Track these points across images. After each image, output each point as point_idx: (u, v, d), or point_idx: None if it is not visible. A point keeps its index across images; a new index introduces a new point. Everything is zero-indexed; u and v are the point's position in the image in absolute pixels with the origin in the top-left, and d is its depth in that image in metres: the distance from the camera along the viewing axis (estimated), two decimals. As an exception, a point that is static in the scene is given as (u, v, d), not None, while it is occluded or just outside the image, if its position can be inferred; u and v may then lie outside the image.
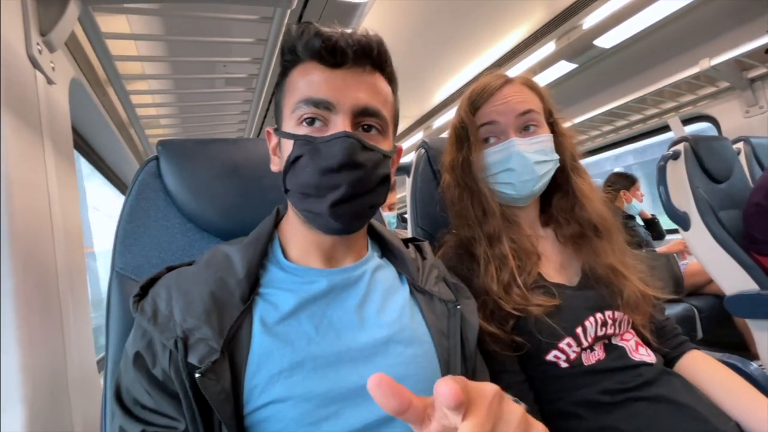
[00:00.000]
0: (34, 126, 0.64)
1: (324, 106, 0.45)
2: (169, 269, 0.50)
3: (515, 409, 0.27)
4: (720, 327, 1.78)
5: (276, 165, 0.52)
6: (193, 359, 0.40)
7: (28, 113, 0.62)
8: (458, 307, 0.54)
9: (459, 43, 2.22)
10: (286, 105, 0.48)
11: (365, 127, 0.47)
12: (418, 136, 3.41)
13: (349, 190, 0.44)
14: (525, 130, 0.68)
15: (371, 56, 0.47)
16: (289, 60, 0.49)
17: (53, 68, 0.72)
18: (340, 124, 0.45)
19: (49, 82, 0.70)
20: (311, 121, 0.46)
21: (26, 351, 0.53)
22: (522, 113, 0.67)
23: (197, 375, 0.39)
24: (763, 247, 1.27)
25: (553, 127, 0.72)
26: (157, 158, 0.63)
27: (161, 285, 0.46)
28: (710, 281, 1.89)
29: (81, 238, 0.78)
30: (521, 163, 0.66)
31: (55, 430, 0.56)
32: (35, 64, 0.65)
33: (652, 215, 2.32)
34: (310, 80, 0.46)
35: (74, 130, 1.08)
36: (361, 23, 1.58)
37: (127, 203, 0.60)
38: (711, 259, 1.36)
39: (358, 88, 0.46)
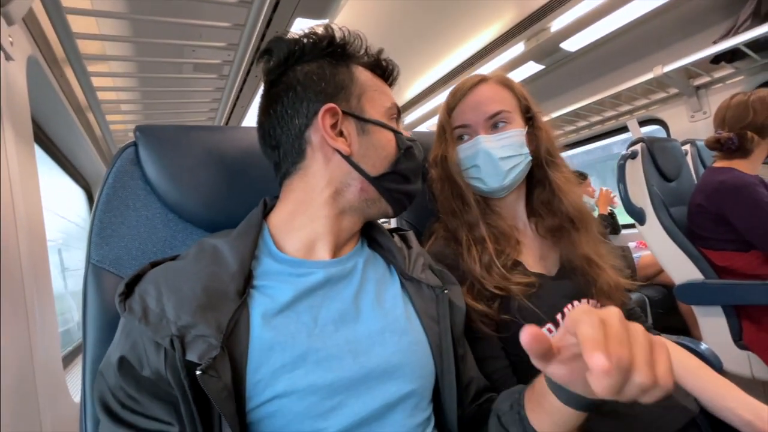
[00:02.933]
0: (-7, 105, 0.58)
1: (399, 113, 0.57)
2: (153, 264, 0.47)
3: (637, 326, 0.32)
4: (667, 314, 1.94)
5: (343, 145, 0.51)
6: (192, 357, 0.38)
7: (-14, 91, 0.56)
8: (445, 291, 0.56)
9: (430, 42, 2.24)
10: (374, 99, 0.54)
11: None
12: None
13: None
14: (494, 127, 0.71)
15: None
16: (349, 55, 0.54)
17: (11, 43, 0.65)
18: (404, 130, 0.57)
19: (7, 58, 0.64)
20: (396, 121, 0.56)
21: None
22: (491, 115, 0.71)
23: (198, 372, 0.37)
24: (705, 242, 1.40)
25: (532, 121, 0.75)
26: (135, 144, 0.60)
27: (148, 281, 0.44)
28: (659, 273, 2.05)
29: (43, 230, 0.72)
30: (486, 160, 0.70)
31: (24, 425, 0.52)
32: (-7, 38, 0.59)
33: (611, 210, 2.47)
34: (388, 90, 0.57)
35: (27, 113, 0.99)
36: (336, 16, 1.55)
37: (104, 191, 0.57)
38: (662, 251, 1.47)
39: None
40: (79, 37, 0.94)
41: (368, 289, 0.52)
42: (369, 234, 0.60)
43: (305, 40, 0.53)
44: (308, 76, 0.52)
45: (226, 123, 1.90)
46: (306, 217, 0.52)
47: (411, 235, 0.65)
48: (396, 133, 0.54)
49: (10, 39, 0.65)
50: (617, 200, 2.14)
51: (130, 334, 0.41)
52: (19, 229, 0.61)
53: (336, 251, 0.53)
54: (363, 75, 0.54)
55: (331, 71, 0.52)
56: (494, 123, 0.71)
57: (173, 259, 0.49)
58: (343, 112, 0.51)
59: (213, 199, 0.61)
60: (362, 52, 0.55)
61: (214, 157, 0.61)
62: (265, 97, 0.55)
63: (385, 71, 0.58)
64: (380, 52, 0.57)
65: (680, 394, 0.63)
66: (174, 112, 1.61)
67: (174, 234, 0.60)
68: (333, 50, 0.53)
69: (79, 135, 1.38)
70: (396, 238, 0.62)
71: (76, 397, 0.79)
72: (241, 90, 1.57)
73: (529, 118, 0.75)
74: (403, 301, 0.54)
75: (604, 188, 2.45)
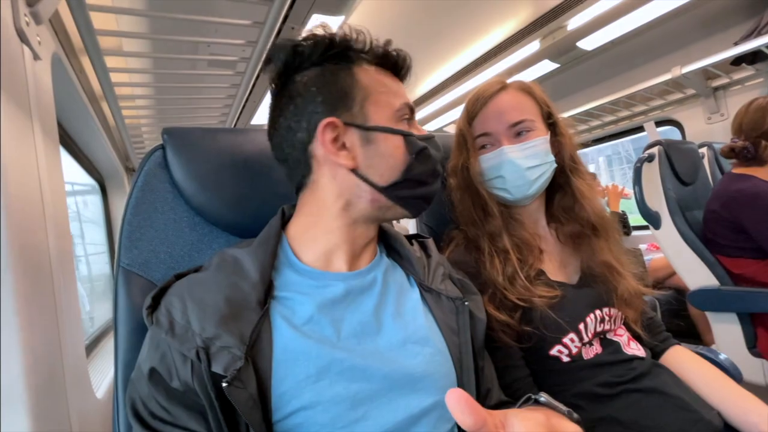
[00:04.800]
0: (24, 106, 0.58)
1: (412, 111, 0.53)
2: (178, 277, 0.48)
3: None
4: (676, 317, 1.93)
5: (346, 159, 0.48)
6: (217, 368, 0.39)
7: (18, 92, 0.57)
8: (466, 303, 0.55)
9: (445, 37, 2.22)
10: (379, 102, 0.50)
11: None
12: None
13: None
14: (517, 135, 0.70)
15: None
16: (351, 56, 0.51)
17: (39, 42, 0.65)
18: (418, 127, 0.54)
19: (36, 57, 0.65)
20: (407, 121, 0.52)
21: (26, 343, 0.49)
22: (514, 124, 0.69)
23: (224, 384, 0.38)
24: (720, 248, 1.38)
25: (554, 128, 0.74)
26: (163, 147, 0.60)
27: (173, 294, 0.44)
28: (670, 276, 2.03)
29: (68, 223, 0.73)
30: (512, 170, 0.68)
31: (55, 422, 0.53)
32: (23, 38, 0.59)
33: (622, 211, 2.45)
34: (398, 87, 0.53)
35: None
36: (353, 11, 1.54)
37: (133, 195, 0.57)
38: (677, 256, 1.46)
39: None
40: (100, 33, 0.94)
41: (388, 301, 0.52)
42: (388, 242, 0.60)
43: (305, 44, 0.50)
44: (307, 86, 0.49)
45: (238, 118, 1.90)
46: (320, 229, 0.51)
47: (431, 243, 0.64)
48: (406, 136, 0.50)
49: (38, 38, 0.65)
50: (628, 191, 2.10)
51: (159, 346, 0.42)
52: (48, 225, 0.61)
53: (353, 260, 0.52)
54: (367, 76, 0.50)
55: (332, 78, 0.49)
56: (517, 132, 0.70)
57: (197, 270, 0.50)
58: (345, 123, 0.49)
59: (238, 203, 0.61)
60: (367, 48, 0.51)
61: (239, 159, 0.61)
62: (271, 108, 0.54)
63: (395, 65, 0.53)
64: (387, 43, 0.52)
65: (704, 407, 0.63)
66: (188, 107, 1.61)
67: (200, 237, 0.61)
68: (334, 53, 0.50)
69: (95, 129, 1.38)
70: (415, 246, 0.62)
71: (98, 393, 0.81)
72: (254, 86, 1.56)
73: (551, 124, 0.74)
74: (424, 311, 0.54)
75: (610, 185, 2.42)
